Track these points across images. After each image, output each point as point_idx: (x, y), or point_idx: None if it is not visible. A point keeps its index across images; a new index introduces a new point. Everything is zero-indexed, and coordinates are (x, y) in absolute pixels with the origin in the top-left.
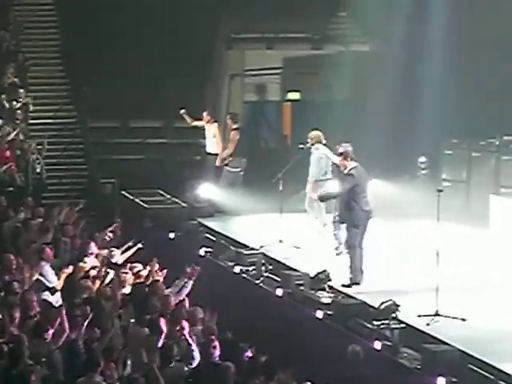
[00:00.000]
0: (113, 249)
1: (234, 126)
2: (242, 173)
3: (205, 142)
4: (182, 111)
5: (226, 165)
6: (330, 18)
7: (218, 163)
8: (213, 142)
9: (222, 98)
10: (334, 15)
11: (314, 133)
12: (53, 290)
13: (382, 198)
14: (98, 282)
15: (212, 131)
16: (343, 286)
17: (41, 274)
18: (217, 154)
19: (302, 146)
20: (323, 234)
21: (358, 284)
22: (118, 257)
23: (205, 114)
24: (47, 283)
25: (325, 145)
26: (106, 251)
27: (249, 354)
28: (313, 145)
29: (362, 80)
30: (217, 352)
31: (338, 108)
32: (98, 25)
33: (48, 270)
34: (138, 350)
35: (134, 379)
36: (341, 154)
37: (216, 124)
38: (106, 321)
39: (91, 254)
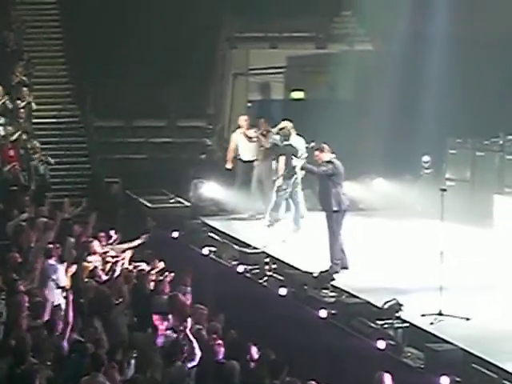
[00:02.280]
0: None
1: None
2: None
3: (208, 142)
4: None
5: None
6: (333, 17)
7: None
8: (251, 148)
9: (226, 97)
10: (338, 14)
11: None
12: (63, 289)
13: (386, 197)
14: (103, 281)
15: (252, 137)
16: (321, 272)
17: (48, 273)
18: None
19: (306, 145)
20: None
21: (337, 272)
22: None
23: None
24: (57, 282)
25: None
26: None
27: (254, 352)
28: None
29: (366, 79)
30: (221, 351)
31: (341, 107)
32: (102, 24)
33: (58, 268)
34: (143, 349)
35: (136, 379)
36: (317, 149)
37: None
38: (113, 320)
39: (94, 253)
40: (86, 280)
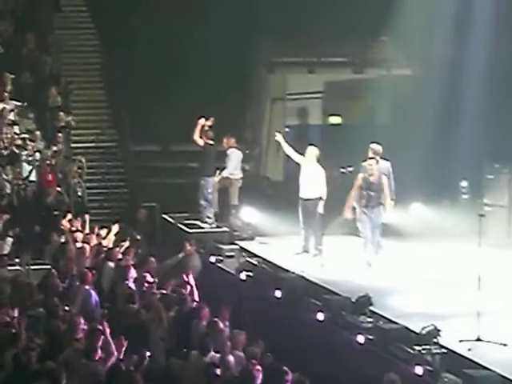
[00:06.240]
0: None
1: None
2: None
3: (246, 167)
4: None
5: None
6: (371, 42)
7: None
8: (315, 183)
9: (264, 121)
10: (375, 39)
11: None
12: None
13: (424, 222)
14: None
15: (315, 171)
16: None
17: (84, 298)
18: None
19: (343, 170)
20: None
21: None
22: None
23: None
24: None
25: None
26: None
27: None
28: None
29: (404, 104)
30: (259, 376)
31: (379, 132)
32: (140, 49)
33: (91, 293)
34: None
35: None
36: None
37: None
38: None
39: (131, 278)
40: (125, 306)
